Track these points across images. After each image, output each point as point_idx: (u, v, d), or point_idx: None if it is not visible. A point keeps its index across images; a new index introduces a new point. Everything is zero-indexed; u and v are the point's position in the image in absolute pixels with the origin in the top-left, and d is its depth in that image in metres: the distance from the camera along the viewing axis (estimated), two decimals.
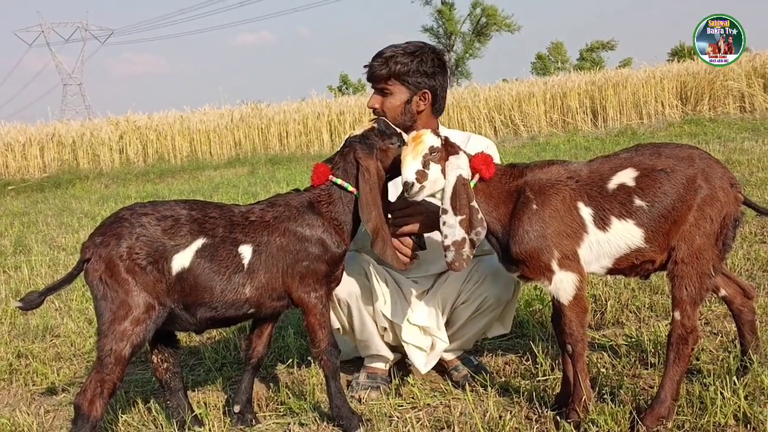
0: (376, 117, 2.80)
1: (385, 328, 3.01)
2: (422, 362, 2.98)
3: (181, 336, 3.38)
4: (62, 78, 66.53)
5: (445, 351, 3.07)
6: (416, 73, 2.89)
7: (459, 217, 2.38)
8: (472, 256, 2.41)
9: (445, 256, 2.40)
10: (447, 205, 2.40)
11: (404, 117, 2.92)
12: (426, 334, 2.99)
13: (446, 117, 16.28)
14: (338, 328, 3.00)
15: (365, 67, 2.95)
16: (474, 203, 2.40)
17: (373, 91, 2.97)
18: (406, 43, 2.95)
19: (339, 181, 2.59)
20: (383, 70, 2.88)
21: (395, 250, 2.57)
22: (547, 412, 2.56)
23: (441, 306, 3.02)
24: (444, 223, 2.40)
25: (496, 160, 2.79)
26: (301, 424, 2.70)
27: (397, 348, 3.09)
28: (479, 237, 2.39)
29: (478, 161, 2.48)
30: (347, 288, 2.87)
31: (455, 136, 3.10)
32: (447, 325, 3.06)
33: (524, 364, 3.12)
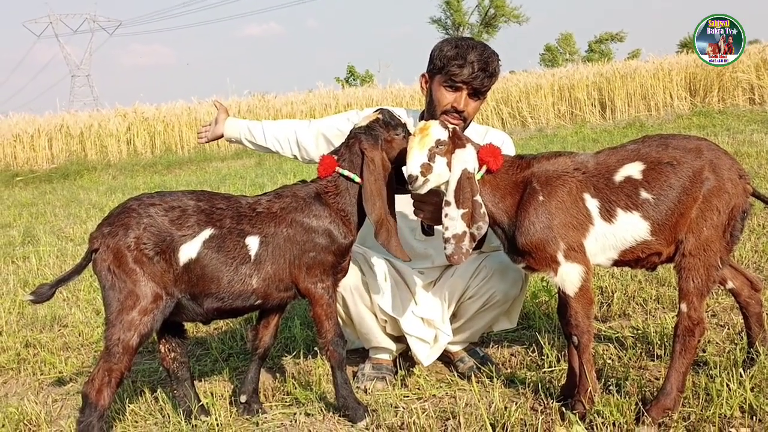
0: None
1: (386, 320, 3.01)
2: (424, 354, 2.98)
3: (189, 326, 3.40)
4: (70, 69, 66.78)
5: (451, 343, 3.07)
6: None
7: (461, 211, 2.37)
8: (471, 250, 2.40)
9: (445, 249, 2.40)
10: (450, 198, 2.39)
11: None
12: (429, 327, 2.99)
13: None
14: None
15: (458, 67, 2.82)
16: (478, 197, 2.38)
17: (451, 88, 2.88)
18: (483, 46, 2.91)
19: (345, 172, 2.59)
20: (491, 83, 2.92)
21: (399, 241, 2.57)
22: (552, 403, 2.56)
23: (447, 299, 3.02)
24: (446, 215, 2.40)
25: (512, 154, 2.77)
26: (308, 415, 2.71)
27: (401, 339, 3.09)
28: (480, 231, 2.38)
29: (485, 153, 2.47)
30: (342, 281, 2.87)
31: (474, 128, 3.10)
32: (453, 318, 3.06)
33: (530, 356, 3.12)
